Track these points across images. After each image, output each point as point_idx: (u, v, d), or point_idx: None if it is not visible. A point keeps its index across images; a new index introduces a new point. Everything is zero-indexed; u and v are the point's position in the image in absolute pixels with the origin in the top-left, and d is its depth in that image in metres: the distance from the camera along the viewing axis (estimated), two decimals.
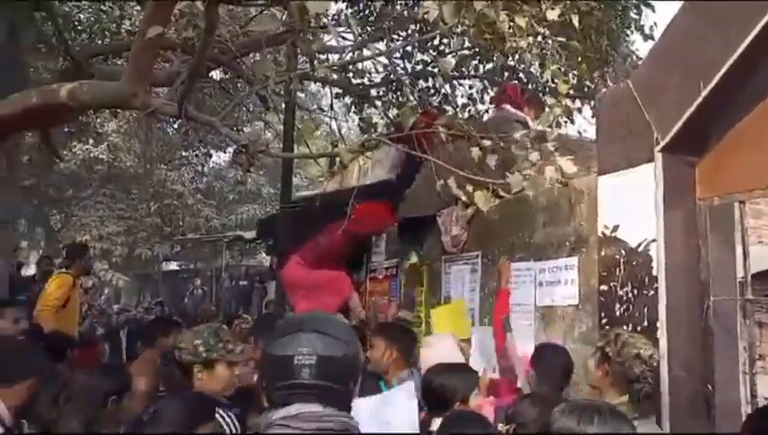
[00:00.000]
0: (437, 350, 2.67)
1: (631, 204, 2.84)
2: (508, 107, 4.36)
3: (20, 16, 5.65)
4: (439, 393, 2.25)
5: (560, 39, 3.51)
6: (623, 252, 2.87)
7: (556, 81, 3.56)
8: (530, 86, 7.23)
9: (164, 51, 5.50)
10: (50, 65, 7.74)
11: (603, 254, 3.00)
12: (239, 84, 7.80)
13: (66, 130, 8.72)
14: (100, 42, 7.45)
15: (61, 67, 6.27)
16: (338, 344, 1.31)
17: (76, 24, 7.94)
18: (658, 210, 2.68)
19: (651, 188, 2.73)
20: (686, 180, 2.69)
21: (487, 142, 3.30)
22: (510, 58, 7.21)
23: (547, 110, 4.31)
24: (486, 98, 7.74)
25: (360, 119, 6.32)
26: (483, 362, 3.43)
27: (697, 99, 2.50)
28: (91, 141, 14.89)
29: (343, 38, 5.87)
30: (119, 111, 11.93)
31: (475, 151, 3.31)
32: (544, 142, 2.75)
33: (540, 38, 3.77)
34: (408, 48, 6.98)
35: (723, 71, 2.38)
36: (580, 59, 3.77)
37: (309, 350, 1.28)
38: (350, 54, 6.29)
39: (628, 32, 6.87)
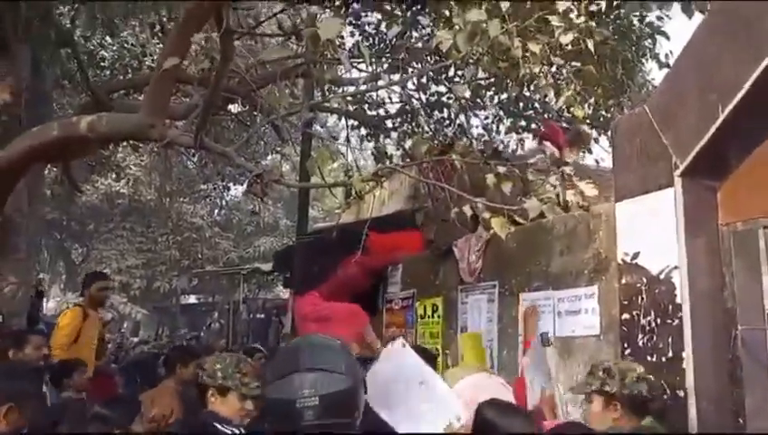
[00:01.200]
0: (487, 390, 2.49)
1: (651, 230, 2.77)
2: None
3: (45, 54, 5.82)
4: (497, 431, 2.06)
5: (574, 64, 3.49)
6: (645, 280, 2.78)
7: (572, 108, 3.55)
8: (546, 115, 7.22)
9: (181, 84, 5.62)
10: (74, 101, 7.94)
11: (624, 282, 2.91)
12: (256, 116, 7.92)
13: (88, 163, 8.87)
14: (122, 77, 7.64)
15: (81, 101, 6.42)
16: (338, 379, 1.28)
17: (100, 61, 8.18)
18: (680, 236, 2.61)
19: (671, 213, 2.66)
20: (708, 205, 2.62)
21: (502, 169, 3.28)
22: (525, 87, 7.23)
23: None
24: (502, 128, 7.75)
25: (374, 147, 6.35)
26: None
27: (716, 121, 2.45)
28: (113, 175, 15.15)
29: (357, 69, 5.94)
30: (139, 145, 12.21)
31: (491, 178, 3.28)
32: (563, 166, 2.71)
33: (554, 66, 3.78)
34: (423, 80, 7.04)
35: (741, 92, 2.33)
36: (596, 87, 3.74)
37: (310, 391, 1.25)
38: (365, 86, 6.37)
39: (644, 60, 6.84)
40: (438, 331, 4.52)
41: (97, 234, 17.77)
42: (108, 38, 8.06)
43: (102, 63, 8.23)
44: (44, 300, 5.70)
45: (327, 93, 4.67)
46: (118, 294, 16.91)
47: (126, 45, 8.27)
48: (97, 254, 17.38)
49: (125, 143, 11.07)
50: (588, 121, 6.55)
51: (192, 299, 21.04)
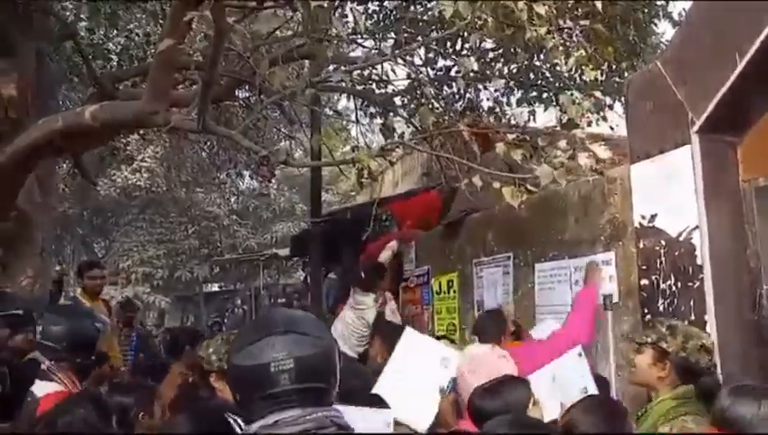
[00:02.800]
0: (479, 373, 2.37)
1: (668, 191, 2.66)
2: None
3: (48, 48, 5.80)
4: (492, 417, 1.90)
5: (583, 23, 3.35)
6: (663, 242, 2.68)
7: (583, 69, 3.40)
8: (557, 84, 7.04)
9: (184, 70, 5.56)
10: (82, 95, 7.95)
11: (642, 246, 2.81)
12: (263, 100, 7.85)
13: (100, 156, 8.92)
14: (127, 68, 7.62)
15: (88, 94, 6.41)
16: (312, 341, 1.22)
17: (106, 53, 8.15)
18: (699, 195, 2.50)
19: (689, 172, 2.55)
20: (727, 161, 2.50)
21: (512, 136, 3.18)
22: (534, 57, 7.05)
23: (575, 104, 4.16)
24: (513, 100, 7.58)
25: (381, 124, 6.26)
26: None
27: (734, 72, 2.32)
28: (129, 168, 15.28)
29: (358, 44, 5.82)
30: (152, 137, 12.26)
31: (500, 147, 3.19)
32: (574, 129, 2.60)
33: (562, 25, 3.63)
34: (430, 55, 6.89)
35: (761, 37, 2.19)
36: (607, 47, 3.58)
37: (284, 353, 1.19)
38: (370, 64, 6.26)
39: (656, 21, 6.61)
40: (455, 306, 4.46)
41: (118, 227, 18.01)
42: (113, 30, 8.03)
43: (109, 55, 8.21)
44: (63, 292, 5.73)
45: (321, 68, 4.56)
46: (141, 285, 17.18)
47: (131, 36, 8.23)
48: (118, 246, 17.62)
49: (137, 136, 11.17)
50: (600, 83, 6.38)
51: (215, 287, 21.31)
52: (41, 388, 2.25)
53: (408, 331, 2.45)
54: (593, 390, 2.03)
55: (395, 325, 3.33)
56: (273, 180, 19.27)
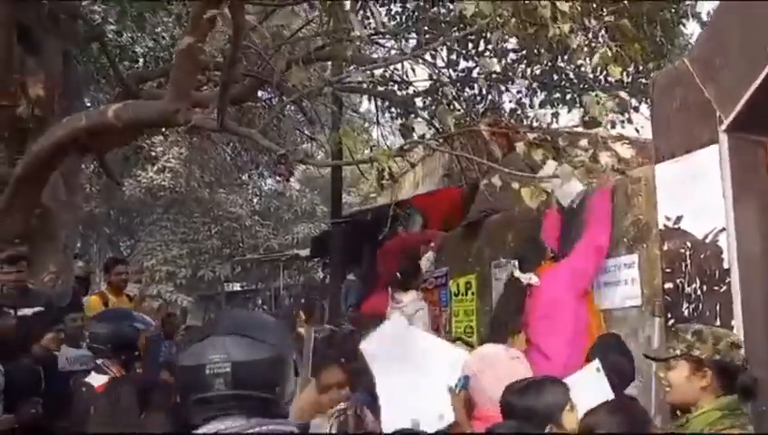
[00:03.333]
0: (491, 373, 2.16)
1: (695, 191, 2.58)
2: None
3: (75, 48, 5.90)
4: (530, 416, 1.84)
5: (608, 20, 3.27)
6: (689, 245, 2.59)
7: (608, 68, 3.32)
8: (581, 86, 6.94)
9: (207, 71, 5.61)
10: (108, 95, 8.08)
11: (666, 248, 2.73)
12: (282, 99, 7.89)
13: (124, 156, 9.05)
14: (153, 69, 7.72)
15: (114, 94, 6.51)
16: (256, 346, 1.15)
17: (133, 55, 8.28)
18: (727, 196, 2.41)
19: (716, 172, 2.47)
20: (756, 161, 2.41)
21: (532, 136, 3.12)
22: (558, 58, 6.95)
23: (599, 104, 4.08)
24: (536, 102, 7.48)
25: (400, 124, 6.23)
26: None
27: (764, 68, 2.24)
28: (154, 168, 15.51)
29: (380, 45, 5.80)
30: (177, 138, 12.41)
31: (521, 146, 3.13)
32: (597, 128, 2.53)
33: (587, 23, 3.55)
34: (452, 56, 6.85)
35: None
36: (633, 43, 3.48)
37: (221, 356, 1.13)
38: (391, 64, 6.23)
39: (684, 21, 6.46)
40: (473, 308, 4.40)
41: (142, 226, 18.29)
42: (140, 32, 8.15)
43: (135, 57, 8.34)
44: (90, 290, 5.84)
45: (350, 71, 4.55)
46: (164, 284, 17.41)
47: (157, 38, 8.35)
48: (143, 245, 17.88)
49: (162, 136, 11.31)
50: (626, 87, 6.25)
51: (236, 287, 21.49)
52: (97, 380, 2.61)
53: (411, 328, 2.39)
54: None
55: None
56: (295, 182, 19.42)
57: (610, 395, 2.15)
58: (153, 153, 13.62)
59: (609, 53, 3.22)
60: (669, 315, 2.71)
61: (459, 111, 6.57)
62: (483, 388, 2.05)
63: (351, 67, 4.73)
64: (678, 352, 1.90)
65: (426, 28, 5.70)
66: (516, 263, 3.26)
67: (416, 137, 5.87)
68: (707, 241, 2.50)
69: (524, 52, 6.96)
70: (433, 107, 7.04)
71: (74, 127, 4.22)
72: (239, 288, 21.47)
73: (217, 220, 17.36)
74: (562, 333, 2.95)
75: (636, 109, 6.73)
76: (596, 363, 2.20)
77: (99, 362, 2.72)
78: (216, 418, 1.12)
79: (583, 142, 2.56)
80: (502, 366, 2.05)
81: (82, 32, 6.30)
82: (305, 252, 12.93)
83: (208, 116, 4.09)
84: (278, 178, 3.61)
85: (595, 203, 3.11)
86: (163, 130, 9.18)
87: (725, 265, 2.40)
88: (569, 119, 6.31)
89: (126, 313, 3.66)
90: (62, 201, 5.34)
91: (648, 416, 1.79)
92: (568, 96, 7.18)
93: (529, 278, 3.16)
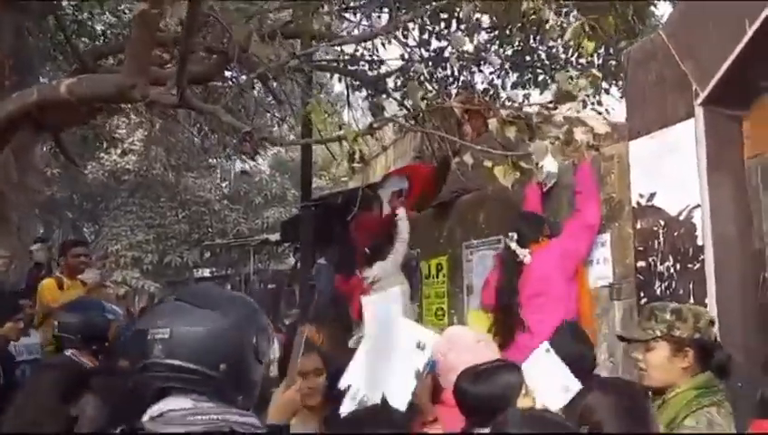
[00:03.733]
0: (457, 352, 2.09)
1: (669, 168, 2.52)
2: None
3: (28, 22, 5.59)
4: (481, 403, 1.77)
5: None
6: (662, 222, 2.55)
7: (581, 44, 3.24)
8: (553, 66, 6.90)
9: (168, 48, 5.37)
10: (66, 73, 7.72)
11: (639, 226, 2.68)
12: (248, 75, 7.66)
13: (82, 136, 8.69)
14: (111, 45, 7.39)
15: (70, 69, 6.20)
16: (204, 316, 1.05)
17: (91, 31, 7.92)
18: (701, 172, 2.36)
19: (691, 147, 2.41)
20: (732, 136, 2.36)
21: (505, 113, 3.03)
22: (531, 39, 6.89)
23: (572, 83, 4.02)
24: (507, 83, 7.44)
25: (370, 102, 6.09)
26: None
27: (742, 39, 2.17)
28: (117, 151, 15.05)
29: (349, 20, 5.63)
30: (142, 119, 12.01)
31: (493, 123, 3.03)
32: (571, 102, 2.44)
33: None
34: (424, 36, 6.72)
35: None
36: (607, 16, 3.39)
37: (164, 322, 1.04)
38: (361, 41, 6.08)
39: (656, 3, 6.45)
40: (444, 290, 4.33)
41: (107, 211, 17.81)
42: (99, 7, 7.79)
43: (94, 34, 7.98)
44: (51, 273, 5.56)
45: (319, 46, 4.39)
46: (130, 270, 16.99)
47: (118, 14, 7.99)
48: (108, 231, 17.42)
49: (126, 118, 10.93)
50: (597, 67, 6.22)
51: (206, 272, 21.14)
52: None
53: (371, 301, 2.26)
54: (576, 386, 1.84)
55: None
56: (265, 165, 19.06)
57: (568, 375, 2.07)
58: (116, 135, 13.21)
59: (583, 29, 3.14)
60: (642, 294, 2.66)
61: (431, 91, 6.47)
62: (447, 372, 1.97)
63: (320, 43, 4.56)
64: (659, 332, 1.84)
65: (397, 5, 5.54)
66: (515, 236, 3.16)
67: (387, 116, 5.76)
68: (681, 218, 2.45)
69: (496, 32, 6.89)
70: (404, 88, 6.92)
71: (25, 102, 3.98)
72: (208, 274, 21.13)
73: (185, 204, 16.97)
74: (551, 312, 2.90)
75: (606, 90, 6.72)
76: (545, 345, 2.11)
77: (68, 352, 2.69)
78: (164, 398, 1.03)
79: (558, 118, 2.47)
80: (466, 349, 1.97)
81: (37, 5, 5.98)
82: (275, 236, 12.74)
83: (167, 91, 3.90)
84: (243, 156, 3.44)
85: (580, 179, 3.03)
86: (125, 109, 8.87)
87: (700, 243, 2.36)
88: (541, 99, 6.26)
89: (96, 303, 3.62)
90: (13, 182, 5.08)
91: (646, 395, 1.70)
92: (540, 77, 7.15)
93: (524, 255, 3.09)
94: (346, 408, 1.93)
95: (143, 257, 16.94)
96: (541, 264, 3.06)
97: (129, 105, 8.36)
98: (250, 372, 1.14)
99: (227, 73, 6.98)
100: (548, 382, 1.80)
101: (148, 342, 1.04)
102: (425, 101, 4.20)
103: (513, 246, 3.13)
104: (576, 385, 1.83)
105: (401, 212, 4.54)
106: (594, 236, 2.98)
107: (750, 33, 2.15)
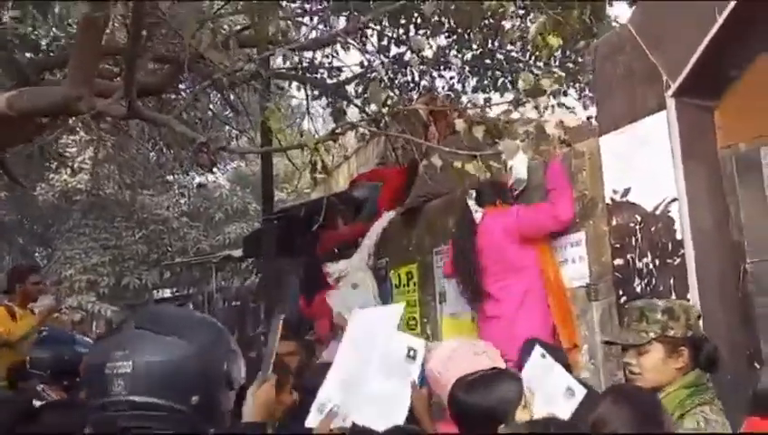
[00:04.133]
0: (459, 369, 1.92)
1: (642, 162, 2.46)
2: None
3: None
4: (476, 414, 1.66)
5: None
6: (638, 218, 2.48)
7: (546, 44, 3.19)
8: (512, 68, 6.93)
9: (111, 56, 5.13)
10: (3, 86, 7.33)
11: (614, 223, 2.61)
12: (208, 90, 7.44)
13: (27, 155, 8.26)
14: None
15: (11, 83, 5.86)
16: (169, 344, 0.92)
17: (35, 44, 7.56)
18: (676, 164, 2.31)
19: (664, 140, 2.36)
20: (705, 126, 2.32)
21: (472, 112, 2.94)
22: (490, 42, 6.90)
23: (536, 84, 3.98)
24: (468, 88, 7.44)
25: (332, 109, 5.96)
26: None
27: (712, 28, 2.13)
28: (68, 171, 14.47)
29: (305, 24, 5.50)
30: (94, 136, 11.55)
31: (460, 123, 2.94)
32: (540, 96, 2.36)
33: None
34: (383, 42, 6.66)
35: None
36: (573, 14, 3.34)
37: (124, 353, 0.91)
38: (319, 46, 5.95)
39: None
40: (415, 299, 4.20)
41: (59, 233, 17.10)
42: (42, 18, 7.43)
43: (38, 47, 7.61)
44: None
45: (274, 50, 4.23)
46: (85, 294, 16.30)
47: (63, 26, 7.64)
48: (60, 254, 16.71)
49: (75, 136, 10.48)
50: (556, 66, 6.25)
51: (167, 293, 20.50)
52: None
53: (363, 313, 2.13)
54: (580, 389, 1.74)
55: None
56: (224, 178, 18.58)
57: (569, 379, 1.97)
58: (66, 153, 12.69)
59: (545, 26, 3.09)
60: (621, 293, 2.59)
61: (393, 97, 6.38)
62: (444, 387, 1.83)
63: (277, 48, 4.41)
64: (653, 334, 1.75)
65: (355, 10, 5.43)
66: (474, 194, 3.14)
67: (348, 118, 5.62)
68: (658, 212, 2.39)
69: (456, 36, 6.88)
70: (365, 94, 6.81)
71: None
72: (169, 294, 20.50)
73: (142, 224, 16.42)
74: (514, 280, 2.91)
75: (565, 93, 6.77)
76: (539, 350, 2.00)
77: (39, 388, 2.69)
78: None
79: (530, 112, 2.39)
80: (466, 363, 1.83)
81: None
82: (238, 252, 12.43)
83: (115, 102, 3.69)
84: (200, 168, 3.24)
85: (551, 177, 2.98)
86: (75, 126, 8.49)
87: (678, 237, 2.30)
88: (503, 101, 6.25)
89: (67, 336, 3.56)
90: None
91: (659, 401, 1.60)
92: (500, 81, 7.17)
93: (476, 210, 3.07)
94: (312, 419, 1.78)
95: (99, 281, 16.30)
96: (494, 226, 3.02)
97: (79, 122, 8.01)
98: (222, 401, 1.01)
99: (182, 85, 6.77)
100: (550, 389, 1.69)
101: (107, 377, 0.90)
102: (387, 107, 4.09)
103: (471, 203, 3.07)
104: (581, 389, 1.72)
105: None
106: (559, 225, 2.91)
107: (720, 20, 2.11)
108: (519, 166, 3.11)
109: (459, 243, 3.21)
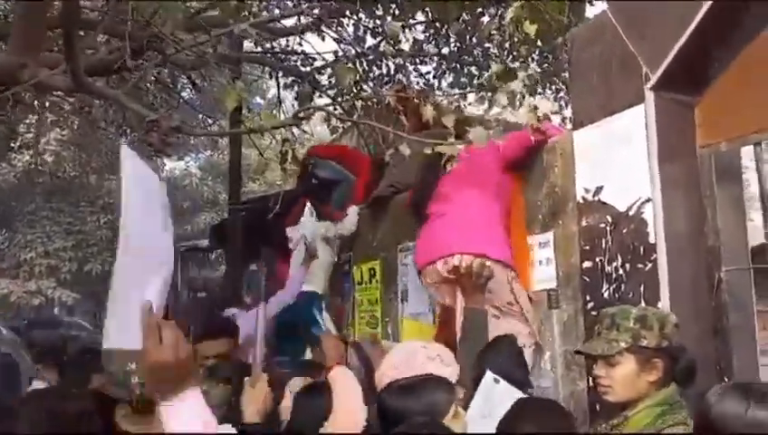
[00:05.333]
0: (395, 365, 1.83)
1: (617, 159, 2.31)
2: None
3: None
4: (402, 419, 1.53)
5: None
6: (609, 219, 2.33)
7: (522, 25, 3.01)
8: (489, 67, 6.80)
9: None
10: None
11: (585, 224, 2.46)
12: (176, 73, 7.13)
13: None
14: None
15: None
16: None
17: None
18: (652, 162, 2.16)
19: (641, 136, 2.21)
20: (685, 123, 2.17)
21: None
22: (466, 39, 6.78)
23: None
24: (444, 83, 7.30)
25: (298, 92, 5.74)
26: None
27: (696, 16, 1.98)
28: (30, 152, 13.94)
29: (275, 6, 5.27)
30: (59, 117, 11.09)
31: (429, 111, 2.76)
32: (512, 80, 2.19)
33: None
34: (359, 33, 6.47)
35: None
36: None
37: None
38: (291, 34, 5.73)
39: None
40: (377, 297, 4.02)
41: (20, 216, 16.50)
42: None
43: None
44: None
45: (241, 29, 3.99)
46: (46, 279, 15.77)
47: None
48: (21, 238, 16.13)
49: (34, 115, 10.03)
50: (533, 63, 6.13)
51: None
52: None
53: None
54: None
55: None
56: (195, 166, 18.13)
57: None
58: (30, 133, 12.22)
59: (521, 8, 2.92)
60: (588, 298, 2.44)
61: (361, 82, 6.19)
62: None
63: (238, 23, 4.17)
64: (623, 344, 1.59)
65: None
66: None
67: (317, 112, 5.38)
68: (631, 213, 2.24)
69: (433, 30, 6.72)
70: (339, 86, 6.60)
71: None
72: None
73: (108, 209, 15.92)
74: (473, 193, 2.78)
75: (540, 93, 6.66)
76: (490, 375, 1.85)
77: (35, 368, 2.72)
78: None
79: (502, 99, 2.22)
80: (418, 368, 1.68)
81: None
82: (205, 242, 12.14)
83: (60, 73, 3.42)
84: (150, 148, 3.00)
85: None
86: (36, 105, 8.09)
87: (651, 240, 2.15)
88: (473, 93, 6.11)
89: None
90: None
91: (570, 415, 1.48)
92: (476, 79, 7.06)
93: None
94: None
95: (60, 266, 15.78)
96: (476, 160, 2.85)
97: (36, 99, 7.62)
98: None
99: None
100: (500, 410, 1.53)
101: None
102: (354, 91, 3.90)
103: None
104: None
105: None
106: (502, 161, 2.81)
107: (705, 7, 1.96)
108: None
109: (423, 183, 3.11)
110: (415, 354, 1.79)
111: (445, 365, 1.76)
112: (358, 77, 6.41)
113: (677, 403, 1.58)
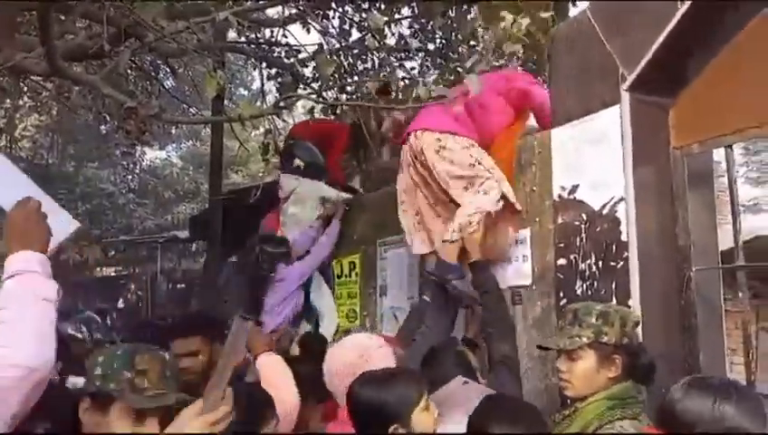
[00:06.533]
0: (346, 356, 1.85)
1: (592, 158, 2.34)
2: None
3: None
4: (371, 410, 1.56)
5: None
6: (584, 217, 2.36)
7: (503, 14, 3.02)
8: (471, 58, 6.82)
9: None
10: None
11: (560, 221, 2.48)
12: (158, 62, 7.06)
13: None
14: None
15: None
16: None
17: None
18: (626, 162, 2.19)
19: (616, 136, 2.24)
20: (659, 125, 2.20)
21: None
22: (451, 35, 6.80)
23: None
24: (430, 79, 7.31)
25: (278, 83, 5.70)
26: None
27: (673, 18, 2.01)
28: (7, 137, 13.67)
29: None
30: (37, 103, 10.87)
31: (423, 89, 2.76)
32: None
33: None
34: (345, 27, 6.45)
35: None
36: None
37: None
38: (277, 26, 5.68)
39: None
40: (356, 291, 4.02)
41: None
42: None
43: None
44: None
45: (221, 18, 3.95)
46: None
47: None
48: None
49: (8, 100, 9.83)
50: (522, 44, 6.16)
51: (111, 272, 19.70)
52: None
53: None
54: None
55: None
56: (176, 156, 17.93)
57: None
58: (4, 119, 11.99)
59: None
60: (561, 294, 2.47)
61: (351, 84, 6.17)
62: (338, 386, 1.72)
63: (225, 14, 4.13)
64: (585, 339, 1.62)
65: None
66: None
67: (300, 106, 5.37)
68: (605, 212, 2.27)
69: (418, 26, 6.72)
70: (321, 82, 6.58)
71: None
72: (113, 273, 19.72)
73: (85, 197, 15.68)
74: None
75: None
76: (460, 379, 1.88)
77: None
78: None
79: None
80: (379, 362, 1.70)
81: None
82: (185, 233, 12.02)
83: (34, 56, 3.36)
84: (127, 136, 2.97)
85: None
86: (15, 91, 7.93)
87: (624, 239, 2.18)
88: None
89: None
90: None
91: (536, 411, 1.51)
92: (459, 74, 7.07)
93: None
94: None
95: None
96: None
97: (13, 83, 7.47)
98: None
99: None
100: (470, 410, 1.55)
101: None
102: (333, 79, 3.86)
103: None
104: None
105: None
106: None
107: (682, 9, 1.99)
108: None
109: None
110: (367, 349, 1.82)
111: (391, 356, 1.82)
112: (342, 70, 6.40)
113: (632, 399, 1.62)
